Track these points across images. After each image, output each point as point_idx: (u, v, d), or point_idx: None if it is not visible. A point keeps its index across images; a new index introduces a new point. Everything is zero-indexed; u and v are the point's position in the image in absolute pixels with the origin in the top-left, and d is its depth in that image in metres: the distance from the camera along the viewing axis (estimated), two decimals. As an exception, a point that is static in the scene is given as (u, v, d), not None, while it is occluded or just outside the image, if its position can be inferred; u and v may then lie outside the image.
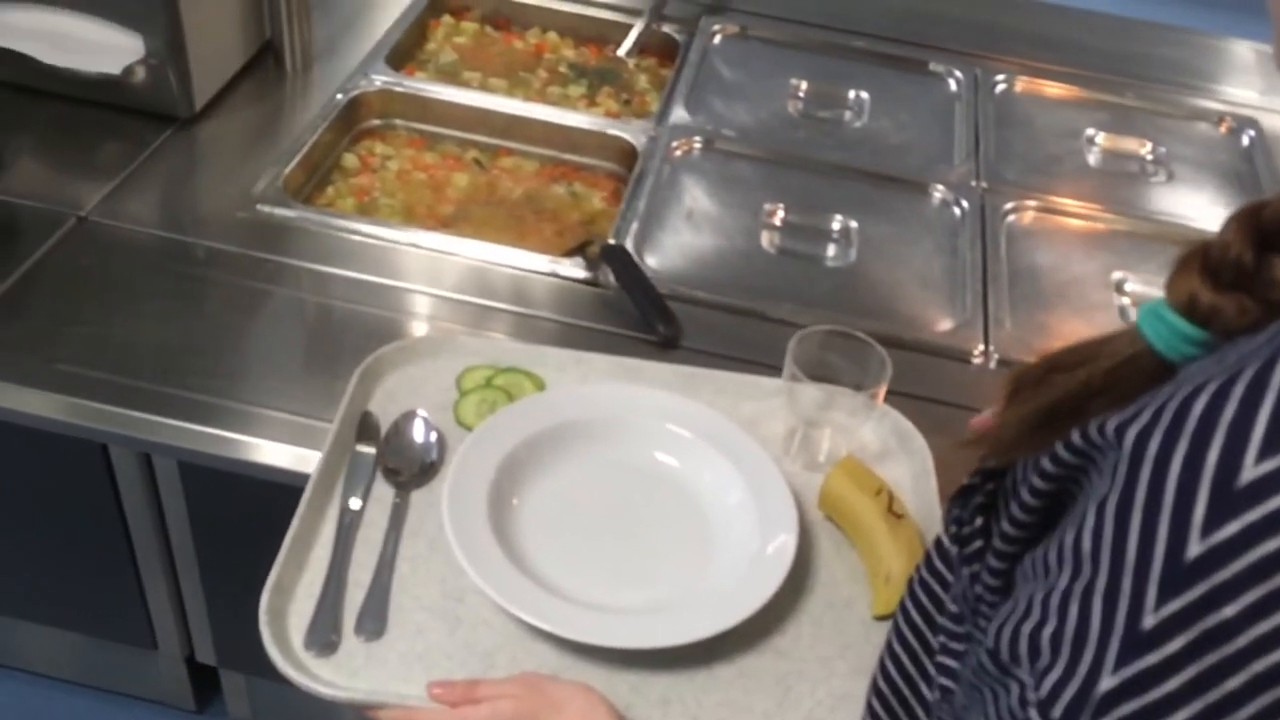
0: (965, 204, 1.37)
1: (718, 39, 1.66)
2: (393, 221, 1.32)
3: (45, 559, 1.27)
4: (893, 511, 0.93)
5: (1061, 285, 1.29)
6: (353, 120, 1.44)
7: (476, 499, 0.92)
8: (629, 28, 1.67)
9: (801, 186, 1.40)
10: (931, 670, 0.67)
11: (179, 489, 1.13)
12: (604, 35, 1.70)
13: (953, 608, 0.65)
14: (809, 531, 0.96)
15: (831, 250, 1.31)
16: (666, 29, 1.67)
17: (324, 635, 0.84)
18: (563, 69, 1.63)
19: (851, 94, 1.58)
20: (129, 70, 1.26)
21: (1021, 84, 1.63)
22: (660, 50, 1.67)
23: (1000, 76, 1.63)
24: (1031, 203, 1.40)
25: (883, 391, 0.98)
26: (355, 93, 1.44)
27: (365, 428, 0.98)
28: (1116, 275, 1.31)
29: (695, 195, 1.36)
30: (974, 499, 0.64)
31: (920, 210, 1.39)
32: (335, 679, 0.82)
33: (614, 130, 1.45)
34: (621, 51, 1.66)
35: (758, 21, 1.69)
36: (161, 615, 1.32)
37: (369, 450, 0.97)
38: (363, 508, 0.93)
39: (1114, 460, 0.51)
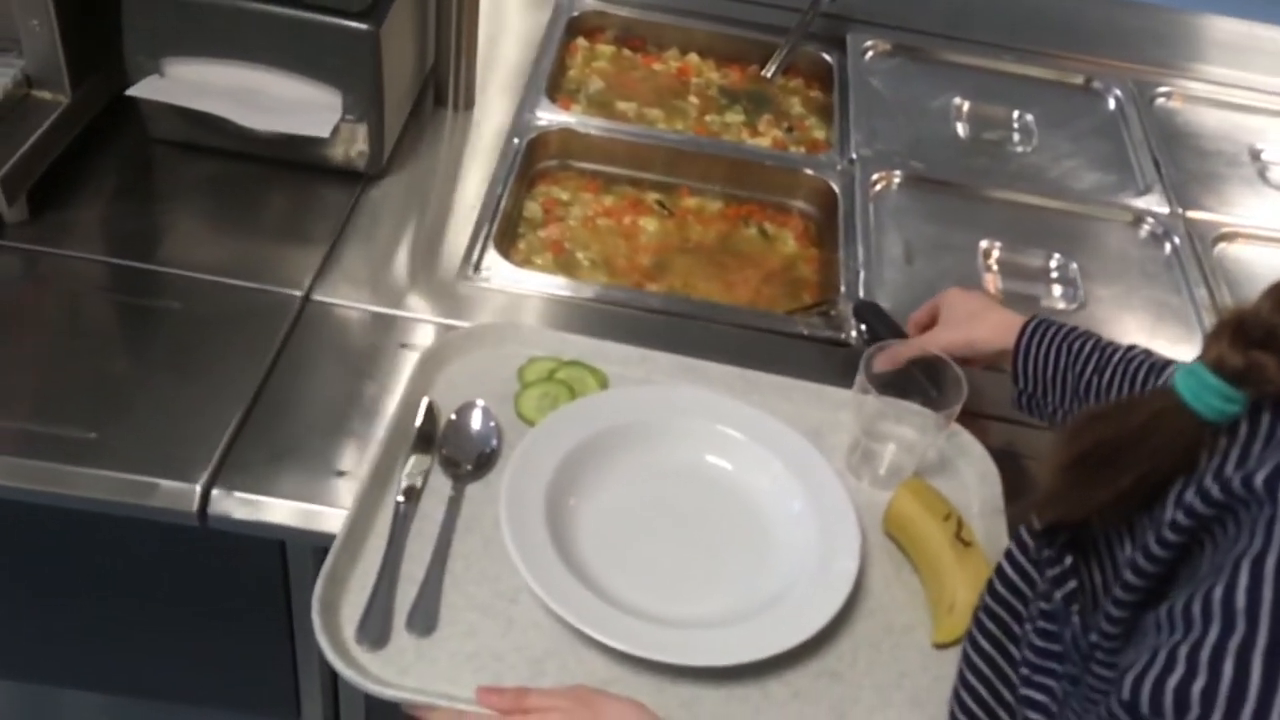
0: (1176, 238, 1.34)
1: (869, 55, 1.60)
2: (599, 278, 1.25)
3: (200, 641, 1.19)
4: (960, 538, 0.90)
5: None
6: (529, 163, 1.36)
7: (534, 500, 0.90)
8: (766, 45, 1.61)
9: (1005, 221, 1.35)
10: (1010, 700, 0.69)
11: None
12: (742, 54, 1.63)
13: (1037, 641, 0.65)
14: (868, 551, 0.93)
15: (1058, 291, 1.28)
16: (810, 47, 1.61)
17: (375, 629, 0.82)
18: (711, 93, 1.56)
19: (1015, 114, 1.54)
20: (335, 130, 1.16)
21: (1179, 97, 1.61)
22: (808, 70, 1.61)
23: (1161, 89, 1.60)
24: (1237, 229, 1.38)
25: (956, 411, 0.96)
26: (532, 135, 1.35)
27: (426, 417, 0.96)
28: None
29: (909, 236, 1.31)
30: (1059, 538, 0.66)
31: (1132, 244, 1.36)
32: (384, 675, 0.80)
33: (807, 169, 1.39)
34: (767, 73, 1.60)
35: (899, 35, 1.64)
36: (310, 686, 1.25)
37: (428, 440, 0.95)
38: (418, 499, 0.91)
39: (1266, 515, 0.53)
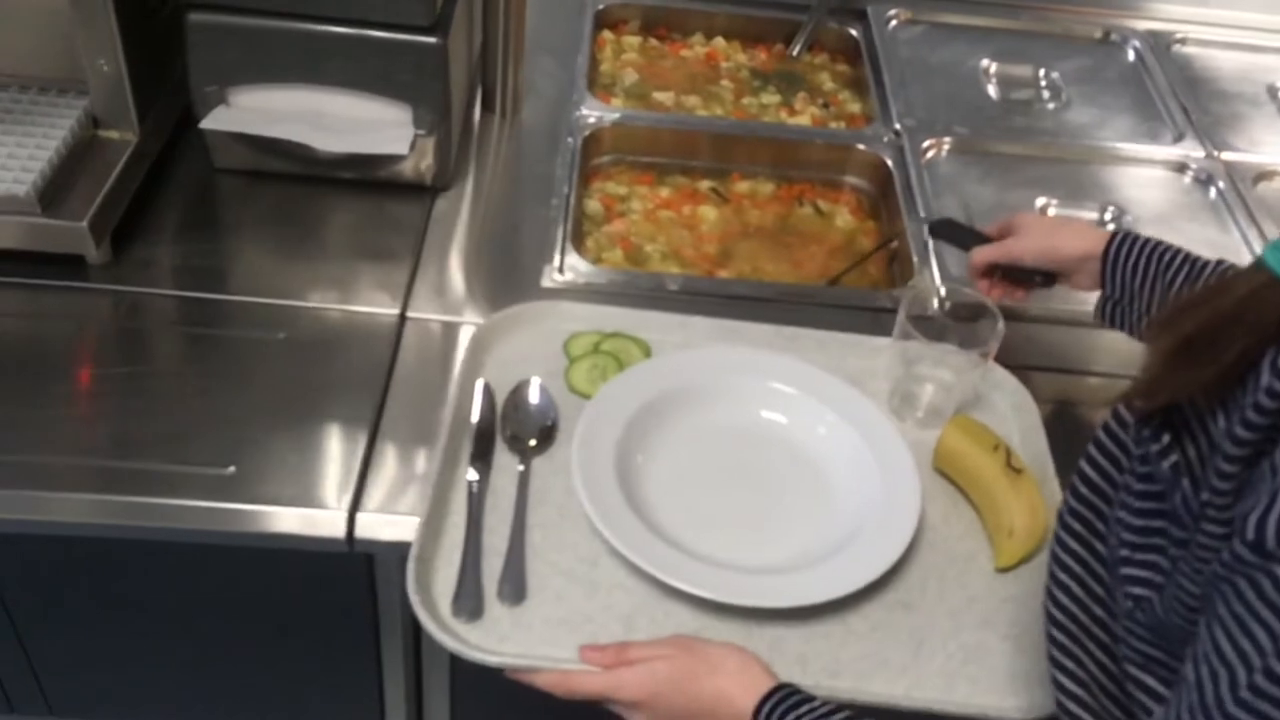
0: (1220, 182, 1.38)
1: (892, 25, 1.62)
2: (670, 269, 1.27)
3: (285, 660, 1.19)
4: (1011, 466, 0.95)
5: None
6: (584, 160, 1.37)
7: (604, 467, 0.93)
8: (789, 24, 1.63)
9: (1055, 177, 1.38)
10: (1102, 593, 0.72)
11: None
12: (766, 35, 1.65)
13: (1135, 520, 0.68)
14: (923, 487, 0.97)
15: (1117, 242, 1.31)
16: (832, 23, 1.63)
17: (469, 603, 0.85)
18: (743, 76, 1.58)
19: (1041, 72, 1.57)
20: (412, 145, 1.16)
21: (1193, 43, 1.65)
22: (833, 46, 1.63)
23: (1176, 36, 1.64)
24: (1275, 168, 1.41)
25: (993, 349, 1.00)
26: (586, 132, 1.36)
27: (484, 399, 1.00)
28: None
29: (966, 200, 1.33)
30: (1154, 420, 0.69)
31: (1177, 190, 1.39)
32: (485, 644, 0.83)
33: (858, 144, 1.41)
34: (793, 51, 1.62)
35: (918, 4, 1.66)
36: (395, 695, 1.26)
37: (490, 420, 0.98)
38: (488, 477, 0.94)
39: None
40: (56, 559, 1.04)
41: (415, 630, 1.13)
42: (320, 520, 0.92)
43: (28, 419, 0.96)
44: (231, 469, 0.93)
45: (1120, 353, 1.15)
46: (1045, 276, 1.06)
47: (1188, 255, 0.98)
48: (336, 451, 0.96)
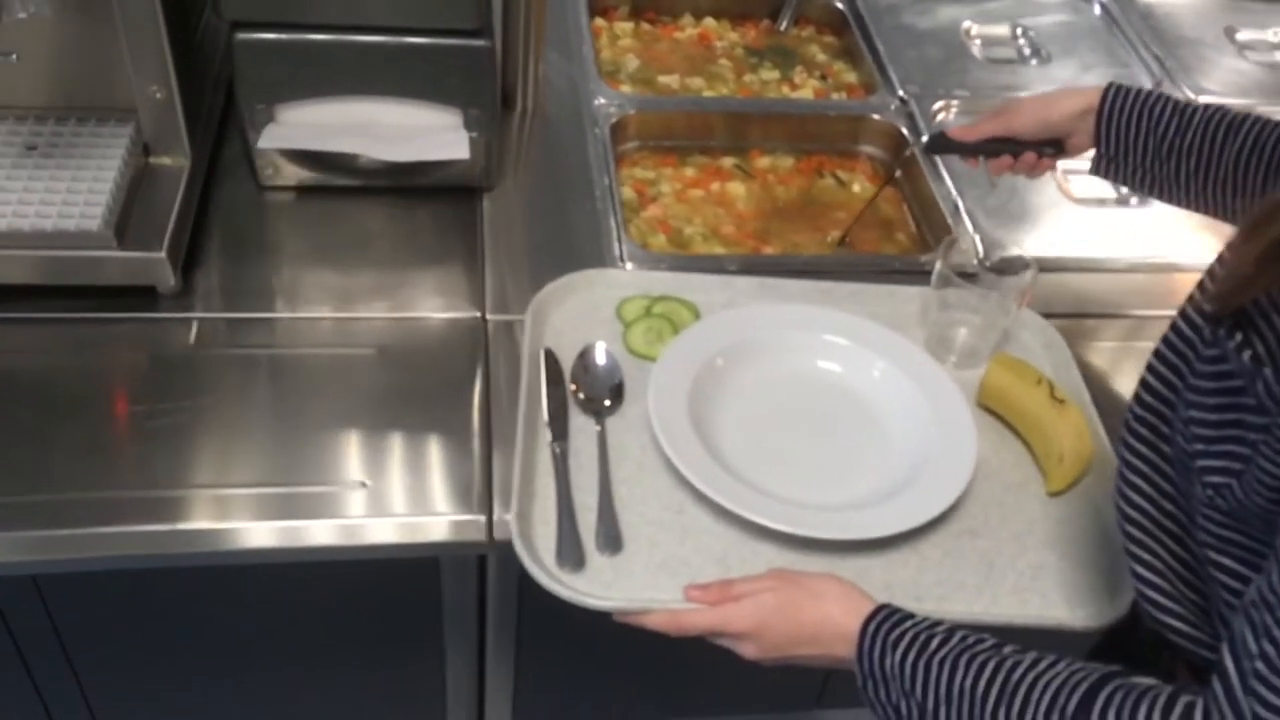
0: (1207, 122, 1.47)
1: (872, -7, 1.67)
2: (715, 249, 1.30)
3: (349, 672, 1.21)
4: (1055, 397, 1.03)
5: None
6: (613, 149, 1.39)
7: (680, 420, 0.99)
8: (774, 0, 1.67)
9: (1055, 132, 1.45)
10: (1169, 488, 0.78)
11: (513, 587, 1.10)
12: (752, 11, 1.69)
13: (1209, 416, 0.72)
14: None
15: (1126, 189, 1.38)
16: (813, -5, 1.68)
17: (571, 556, 0.90)
18: (738, 54, 1.61)
19: (1018, 30, 1.64)
20: (471, 149, 1.17)
21: (1156, -6, 1.74)
22: (818, 18, 1.68)
23: (1140, -13, 1.73)
24: (1253, 109, 1.50)
25: (1026, 296, 1.08)
26: (612, 121, 1.38)
27: (549, 365, 1.05)
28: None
29: (983, 163, 1.39)
30: (1226, 319, 0.72)
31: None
32: (592, 591, 0.88)
33: (873, 114, 1.46)
34: (780, 26, 1.66)
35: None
36: (458, 696, 1.28)
37: (560, 385, 1.03)
38: (568, 440, 0.99)
39: None
40: (115, 592, 1.04)
41: (480, 627, 1.16)
42: (462, 524, 0.94)
43: (143, 454, 0.96)
44: (368, 482, 0.94)
45: (1125, 296, 1.26)
46: (1053, 147, 1.09)
47: (1177, 105, 1.02)
48: (457, 456, 0.98)
